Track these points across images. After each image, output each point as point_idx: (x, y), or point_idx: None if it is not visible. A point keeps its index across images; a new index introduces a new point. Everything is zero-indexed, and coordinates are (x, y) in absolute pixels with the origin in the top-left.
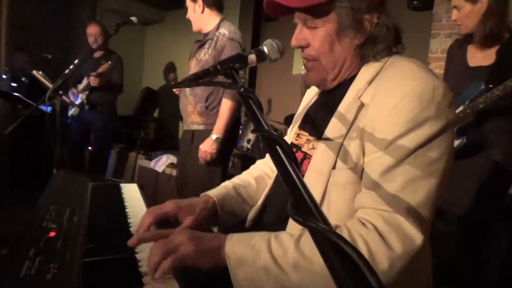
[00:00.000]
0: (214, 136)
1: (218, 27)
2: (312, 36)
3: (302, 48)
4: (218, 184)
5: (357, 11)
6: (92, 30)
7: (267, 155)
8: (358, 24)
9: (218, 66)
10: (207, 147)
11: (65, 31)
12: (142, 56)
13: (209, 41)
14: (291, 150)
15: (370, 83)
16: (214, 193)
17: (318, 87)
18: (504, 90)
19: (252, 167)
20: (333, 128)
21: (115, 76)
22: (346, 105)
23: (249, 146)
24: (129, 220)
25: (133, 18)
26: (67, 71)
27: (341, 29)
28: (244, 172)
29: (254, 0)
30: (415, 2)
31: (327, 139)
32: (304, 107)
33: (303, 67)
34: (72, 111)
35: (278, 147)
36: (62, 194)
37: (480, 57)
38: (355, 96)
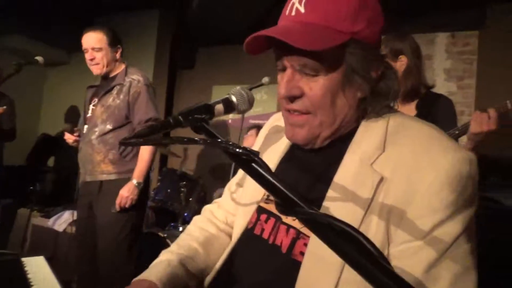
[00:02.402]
0: (135, 181)
1: (126, 72)
2: (309, 85)
3: (292, 98)
4: (134, 236)
5: (367, 59)
6: None
7: (205, 208)
8: (366, 74)
9: (180, 118)
10: (129, 193)
11: None
12: (40, 99)
13: (118, 87)
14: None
15: (382, 148)
16: (157, 276)
17: (304, 145)
18: None
19: (192, 227)
20: (338, 204)
21: (6, 121)
22: (352, 175)
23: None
24: None
25: (39, 58)
26: None
27: (348, 78)
28: (184, 236)
29: (169, 46)
30: None
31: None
32: (265, 155)
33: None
34: None
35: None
36: None
37: (402, 111)
38: (361, 163)
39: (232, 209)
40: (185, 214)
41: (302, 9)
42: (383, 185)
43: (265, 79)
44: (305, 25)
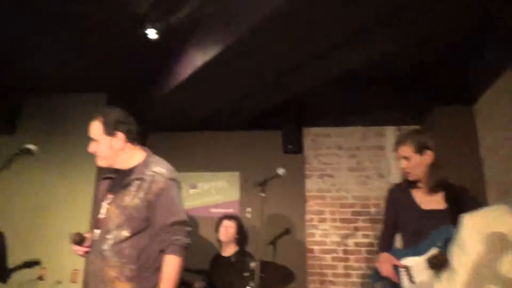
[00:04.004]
0: None
1: (147, 164)
2: None
3: None
4: None
5: None
6: None
7: None
8: None
9: None
10: None
11: None
12: None
13: (137, 182)
14: None
15: None
16: None
17: None
18: None
19: None
20: None
21: None
22: None
23: None
24: None
25: (32, 146)
26: None
27: None
28: None
29: None
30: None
31: None
32: None
33: None
34: None
35: None
36: None
37: (430, 201)
38: None
39: None
40: None
41: None
42: None
43: (281, 170)
44: None
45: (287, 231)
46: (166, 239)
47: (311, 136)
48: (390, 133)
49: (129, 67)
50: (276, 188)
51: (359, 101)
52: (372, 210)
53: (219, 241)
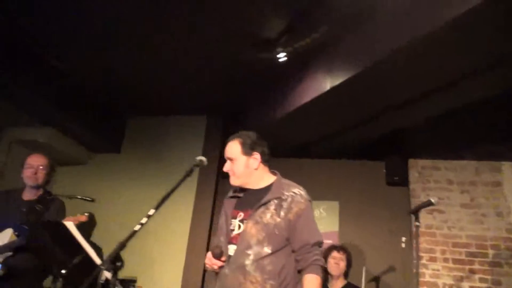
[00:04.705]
0: None
1: (281, 185)
2: None
3: None
4: None
5: None
6: (35, 161)
7: None
8: None
9: None
10: None
11: None
12: None
13: (276, 201)
14: None
15: None
16: None
17: None
18: None
19: None
20: None
21: None
22: None
23: None
24: None
25: (202, 158)
26: None
27: None
28: None
29: (218, 153)
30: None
31: None
32: None
33: None
34: None
35: None
36: None
37: None
38: None
39: None
40: None
41: None
42: None
43: (435, 199)
44: None
45: (390, 268)
46: (307, 258)
47: (418, 168)
48: (508, 168)
49: (232, 92)
50: (377, 221)
51: (472, 133)
52: (491, 252)
53: (325, 271)
